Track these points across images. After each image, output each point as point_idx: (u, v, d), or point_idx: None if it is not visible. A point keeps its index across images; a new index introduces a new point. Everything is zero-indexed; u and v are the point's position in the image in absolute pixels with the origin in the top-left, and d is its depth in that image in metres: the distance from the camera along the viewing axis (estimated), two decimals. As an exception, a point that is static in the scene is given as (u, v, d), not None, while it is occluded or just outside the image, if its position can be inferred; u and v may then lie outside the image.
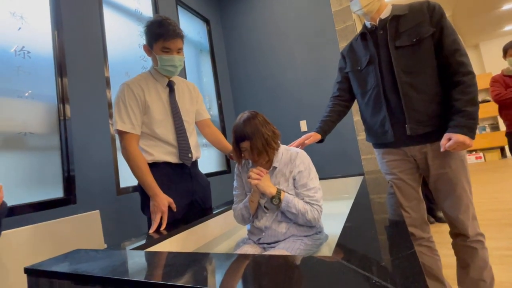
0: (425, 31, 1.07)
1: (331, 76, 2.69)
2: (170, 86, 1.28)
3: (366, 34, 1.22)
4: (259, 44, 3.18)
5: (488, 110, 6.69)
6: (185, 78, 2.59)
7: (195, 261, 0.62)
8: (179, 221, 1.17)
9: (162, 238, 0.98)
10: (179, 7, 2.80)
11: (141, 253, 0.75)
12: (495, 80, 2.63)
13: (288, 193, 1.01)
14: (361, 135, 2.61)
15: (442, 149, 1.01)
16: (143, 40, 2.22)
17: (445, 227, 1.27)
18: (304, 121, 2.90)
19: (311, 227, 1.03)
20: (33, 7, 1.57)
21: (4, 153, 1.33)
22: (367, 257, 0.52)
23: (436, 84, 1.09)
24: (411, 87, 1.10)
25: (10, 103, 1.39)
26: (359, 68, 1.26)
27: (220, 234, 1.32)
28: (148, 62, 2.25)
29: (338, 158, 2.72)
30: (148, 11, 2.42)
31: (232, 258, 0.62)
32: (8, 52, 1.42)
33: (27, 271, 0.72)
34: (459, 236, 1.15)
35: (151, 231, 1.07)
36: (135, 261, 0.68)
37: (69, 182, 1.54)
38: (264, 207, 1.05)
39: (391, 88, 1.15)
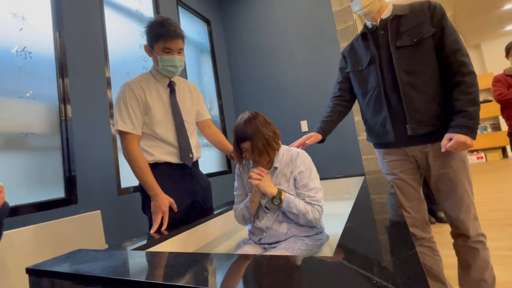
0: (426, 31, 1.07)
1: (332, 76, 2.68)
2: (171, 86, 1.28)
3: (367, 34, 1.22)
4: (260, 45, 3.18)
5: (489, 110, 6.67)
6: (186, 78, 2.59)
7: (196, 262, 0.62)
8: (180, 222, 1.17)
9: (163, 238, 0.98)
10: (180, 8, 2.81)
11: (142, 253, 0.75)
12: (497, 80, 2.62)
13: (289, 194, 1.01)
14: (362, 135, 2.60)
15: (443, 149, 1.01)
16: (144, 41, 2.22)
17: (446, 228, 1.27)
18: (305, 121, 2.90)
19: (312, 228, 1.03)
20: (34, 7, 1.57)
21: (5, 153, 1.33)
22: (368, 257, 0.52)
23: (437, 84, 1.09)
24: (412, 87, 1.10)
25: (11, 103, 1.39)
26: (360, 68, 1.26)
27: (221, 234, 1.32)
28: (149, 62, 2.25)
29: (339, 158, 2.71)
30: (149, 12, 2.42)
31: (233, 259, 0.62)
32: (9, 52, 1.42)
33: (29, 271, 0.72)
34: (460, 237, 1.14)
35: (152, 231, 1.07)
36: (136, 262, 0.68)
37: (70, 182, 1.54)
38: (265, 207, 1.05)
39: (392, 88, 1.14)
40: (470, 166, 1.07)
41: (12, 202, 1.20)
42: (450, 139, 0.99)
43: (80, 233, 1.40)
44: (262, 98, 3.16)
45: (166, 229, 1.08)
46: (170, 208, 1.14)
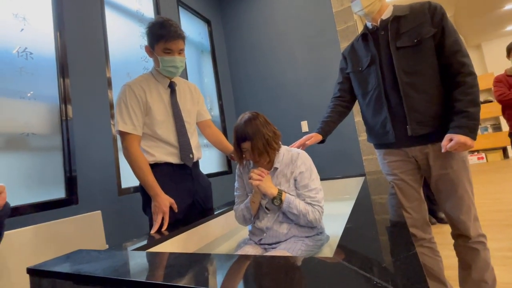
0: (426, 31, 1.07)
1: (332, 77, 2.69)
2: (172, 87, 1.28)
3: (367, 35, 1.22)
4: (260, 45, 3.18)
5: (490, 110, 6.67)
6: (187, 79, 2.60)
7: (196, 262, 0.62)
8: (180, 222, 1.17)
9: (164, 238, 0.98)
10: (180, 8, 2.81)
11: (143, 253, 0.75)
12: (498, 80, 2.62)
13: (289, 194, 1.01)
14: (362, 136, 2.60)
15: (443, 150, 1.01)
16: (144, 41, 2.23)
17: (447, 228, 1.27)
18: (305, 121, 2.90)
19: (312, 228, 1.03)
20: (35, 8, 1.58)
21: (6, 154, 1.34)
22: (368, 258, 0.52)
23: (437, 84, 1.09)
24: (412, 88, 1.10)
25: (12, 103, 1.39)
26: (360, 68, 1.26)
27: (221, 234, 1.32)
28: (150, 63, 2.26)
29: (339, 158, 2.71)
30: (149, 12, 2.43)
31: (233, 259, 0.62)
32: (10, 53, 1.43)
33: (30, 271, 0.72)
34: (461, 237, 1.14)
35: (152, 231, 1.07)
36: (137, 262, 0.68)
37: (71, 183, 1.54)
38: (265, 208, 1.05)
39: (392, 88, 1.15)
40: (471, 166, 1.07)
41: (13, 203, 1.20)
42: (451, 140, 0.99)
43: (80, 234, 1.41)
44: (262, 98, 3.16)
45: (167, 229, 1.08)
46: (171, 208, 1.14)
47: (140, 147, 1.18)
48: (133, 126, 1.16)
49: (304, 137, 1.31)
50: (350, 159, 2.66)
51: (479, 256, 1.11)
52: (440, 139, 1.05)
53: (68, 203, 1.51)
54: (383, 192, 1.18)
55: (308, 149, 1.29)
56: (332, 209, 1.68)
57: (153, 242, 0.94)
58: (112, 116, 1.82)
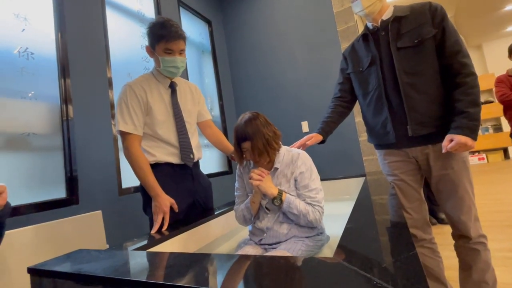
0: (426, 32, 1.07)
1: (333, 77, 2.68)
2: (172, 87, 1.28)
3: (368, 35, 1.22)
4: (261, 45, 3.19)
5: (491, 111, 6.66)
6: (187, 79, 2.60)
7: (196, 262, 0.62)
8: (181, 222, 1.17)
9: (164, 238, 0.98)
10: (181, 8, 2.81)
11: (143, 253, 0.75)
12: (500, 81, 2.61)
13: (290, 194, 1.01)
14: (363, 136, 2.60)
15: (444, 150, 1.01)
16: (145, 41, 2.23)
17: (447, 229, 1.27)
18: (306, 122, 2.90)
19: (312, 228, 1.03)
20: (36, 8, 1.58)
21: (7, 154, 1.34)
22: (369, 258, 0.52)
23: (438, 85, 1.09)
24: (412, 88, 1.10)
25: (13, 103, 1.40)
26: (360, 69, 1.26)
27: (222, 235, 1.32)
28: (150, 63, 2.26)
29: (340, 159, 2.71)
30: (150, 13, 2.43)
31: (233, 259, 0.62)
32: (11, 53, 1.43)
33: (30, 271, 0.72)
34: (461, 238, 1.14)
35: (153, 231, 1.08)
36: (137, 262, 0.69)
37: (71, 183, 1.55)
38: (266, 208, 1.05)
39: (393, 89, 1.14)
40: (471, 167, 1.07)
41: (13, 202, 1.20)
42: (451, 140, 0.99)
43: (81, 233, 1.41)
44: (262, 98, 3.16)
45: (167, 229, 1.08)
46: (171, 208, 1.14)
47: (140, 147, 1.18)
48: (134, 126, 1.16)
49: (305, 138, 1.31)
50: (351, 159, 2.66)
51: (480, 257, 1.10)
52: (441, 139, 1.05)
53: (69, 203, 1.52)
54: (383, 193, 1.18)
55: (309, 149, 1.29)
56: (333, 210, 1.68)
57: (153, 242, 0.94)
58: (113, 116, 1.83)
